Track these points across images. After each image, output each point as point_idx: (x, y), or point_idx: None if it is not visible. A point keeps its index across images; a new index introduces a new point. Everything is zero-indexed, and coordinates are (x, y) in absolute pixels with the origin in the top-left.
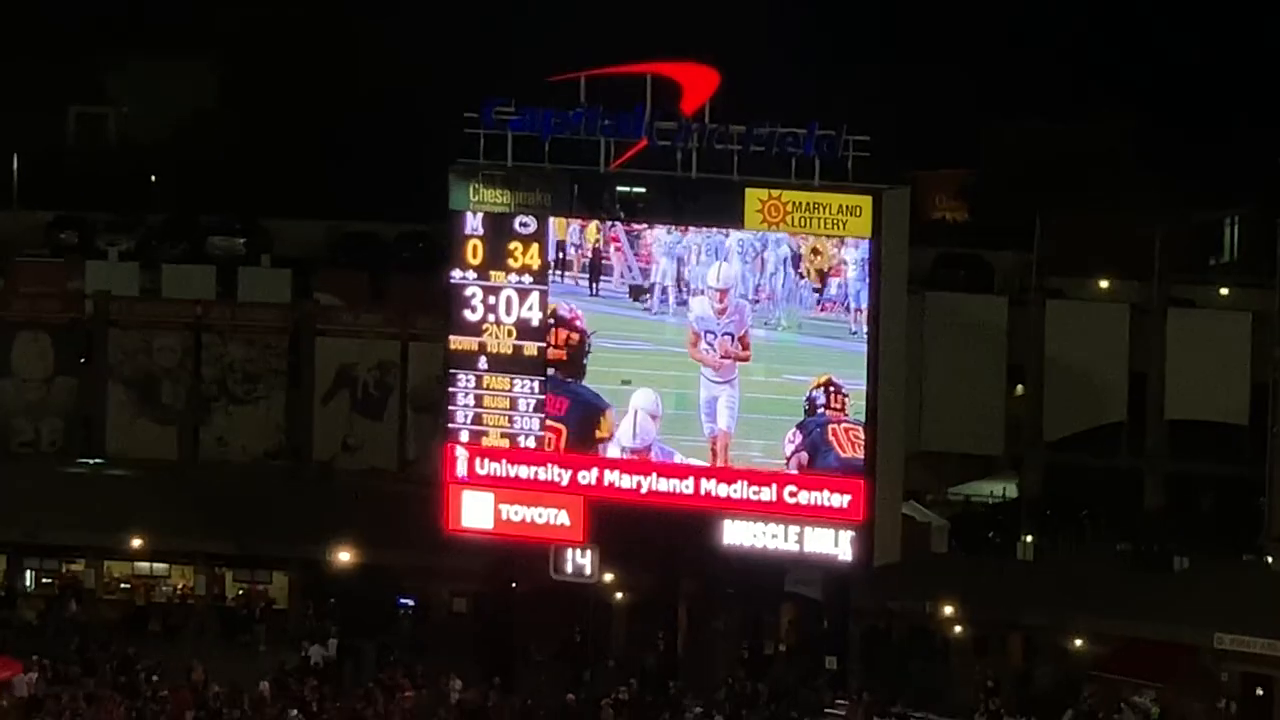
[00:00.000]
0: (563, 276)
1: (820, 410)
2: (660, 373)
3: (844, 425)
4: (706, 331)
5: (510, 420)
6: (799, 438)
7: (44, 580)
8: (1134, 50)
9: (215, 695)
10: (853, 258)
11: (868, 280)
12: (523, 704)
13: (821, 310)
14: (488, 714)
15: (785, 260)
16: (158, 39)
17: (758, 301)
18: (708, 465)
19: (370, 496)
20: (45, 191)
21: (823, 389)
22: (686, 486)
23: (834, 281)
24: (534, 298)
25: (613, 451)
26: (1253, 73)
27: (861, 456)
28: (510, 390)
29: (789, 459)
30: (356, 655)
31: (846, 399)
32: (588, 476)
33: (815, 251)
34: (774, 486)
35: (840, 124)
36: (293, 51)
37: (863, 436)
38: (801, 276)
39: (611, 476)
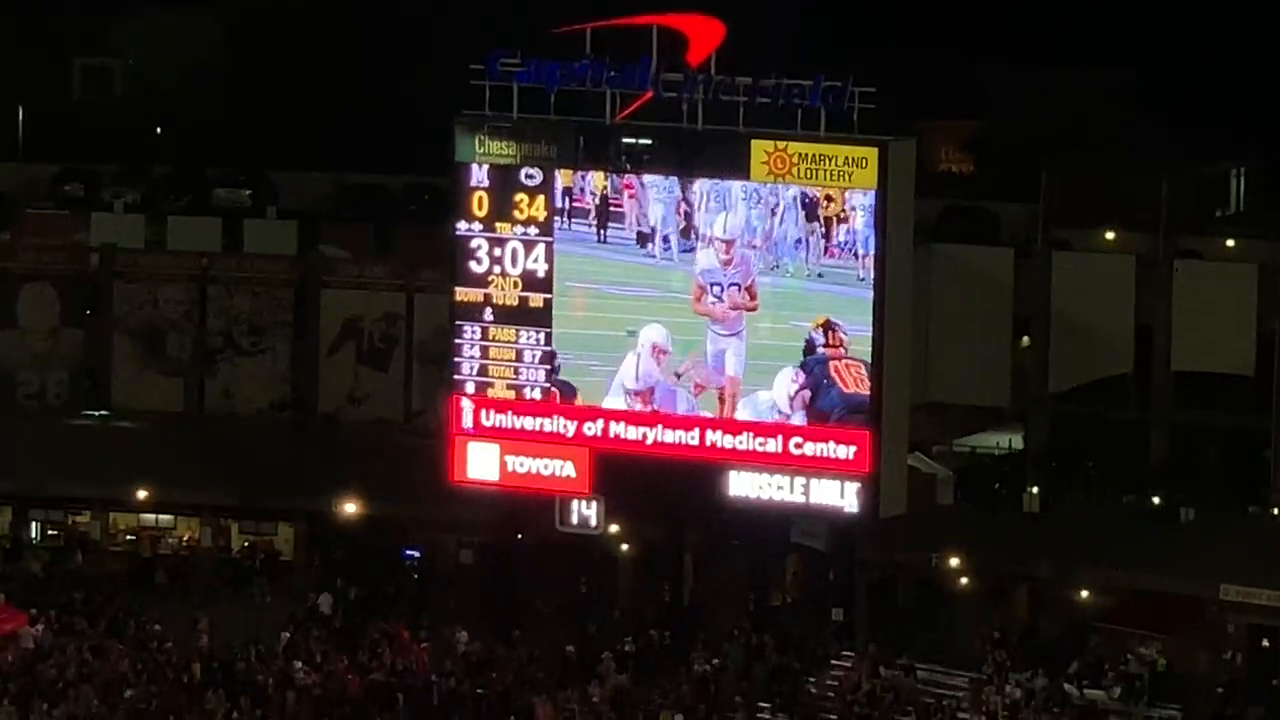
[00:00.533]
0: (570, 224)
1: (820, 349)
2: (668, 319)
3: (845, 361)
4: (713, 284)
5: (515, 371)
6: (801, 377)
7: (50, 532)
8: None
9: (221, 647)
10: (860, 203)
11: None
12: (529, 656)
13: (829, 256)
14: (493, 666)
15: (796, 204)
16: None
17: (763, 249)
18: (713, 416)
19: (376, 448)
20: (51, 144)
21: (821, 329)
22: (692, 438)
23: (842, 228)
24: (539, 250)
25: (614, 397)
26: (1260, 26)
27: (865, 392)
28: (515, 342)
29: (792, 399)
30: (363, 606)
31: (844, 337)
32: (593, 428)
33: (829, 198)
34: (780, 438)
35: (846, 75)
36: (298, 5)
37: (864, 372)
38: (811, 222)
39: (617, 428)
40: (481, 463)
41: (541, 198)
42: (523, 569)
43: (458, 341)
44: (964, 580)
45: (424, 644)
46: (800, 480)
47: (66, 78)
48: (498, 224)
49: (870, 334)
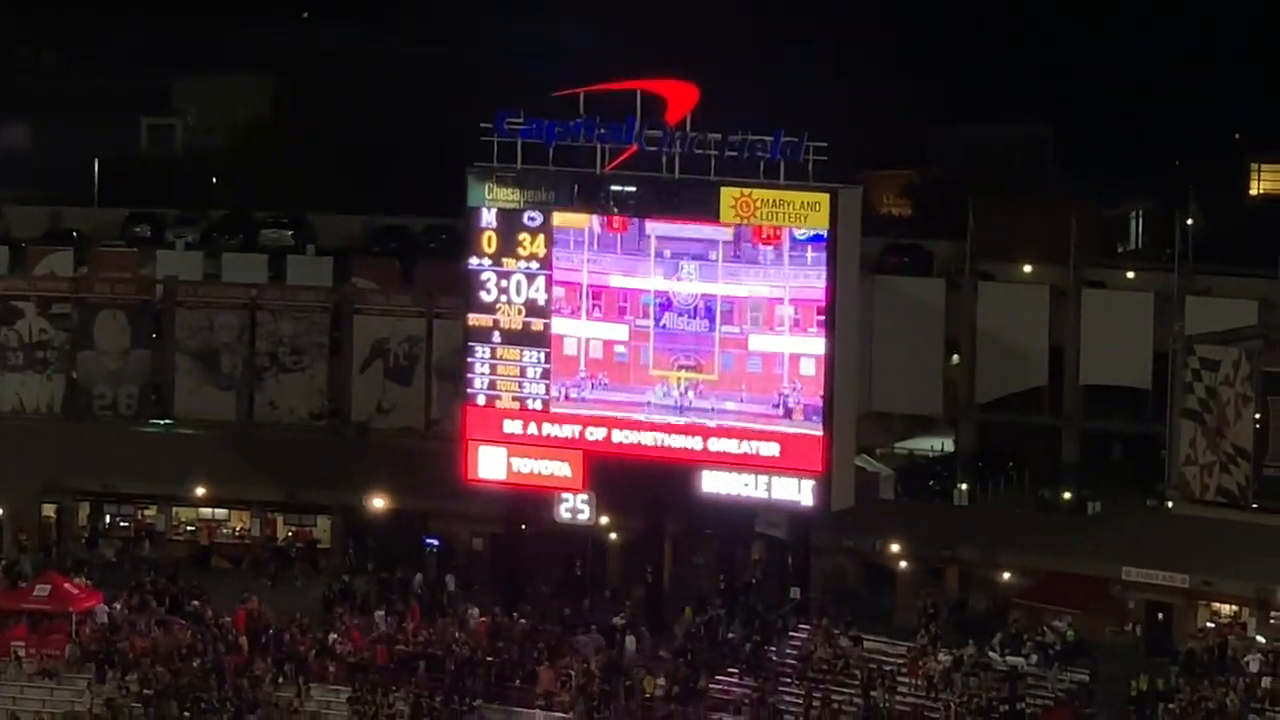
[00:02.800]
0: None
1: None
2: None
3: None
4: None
5: (520, 385)
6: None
7: (121, 524)
8: (1054, 67)
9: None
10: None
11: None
12: (531, 627)
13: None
14: (501, 637)
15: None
16: (216, 58)
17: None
18: (691, 424)
19: (401, 451)
20: (121, 191)
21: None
22: (672, 441)
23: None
24: (540, 281)
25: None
26: (1157, 91)
27: (818, 403)
28: (520, 360)
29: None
30: (390, 588)
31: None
32: (586, 433)
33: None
34: (746, 442)
35: (802, 132)
36: (332, 71)
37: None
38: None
39: (607, 433)
40: (490, 464)
41: (542, 236)
42: (526, 554)
43: (470, 360)
44: (903, 563)
45: (443, 618)
46: (764, 478)
47: (135, 134)
48: (504, 259)
49: (823, 356)
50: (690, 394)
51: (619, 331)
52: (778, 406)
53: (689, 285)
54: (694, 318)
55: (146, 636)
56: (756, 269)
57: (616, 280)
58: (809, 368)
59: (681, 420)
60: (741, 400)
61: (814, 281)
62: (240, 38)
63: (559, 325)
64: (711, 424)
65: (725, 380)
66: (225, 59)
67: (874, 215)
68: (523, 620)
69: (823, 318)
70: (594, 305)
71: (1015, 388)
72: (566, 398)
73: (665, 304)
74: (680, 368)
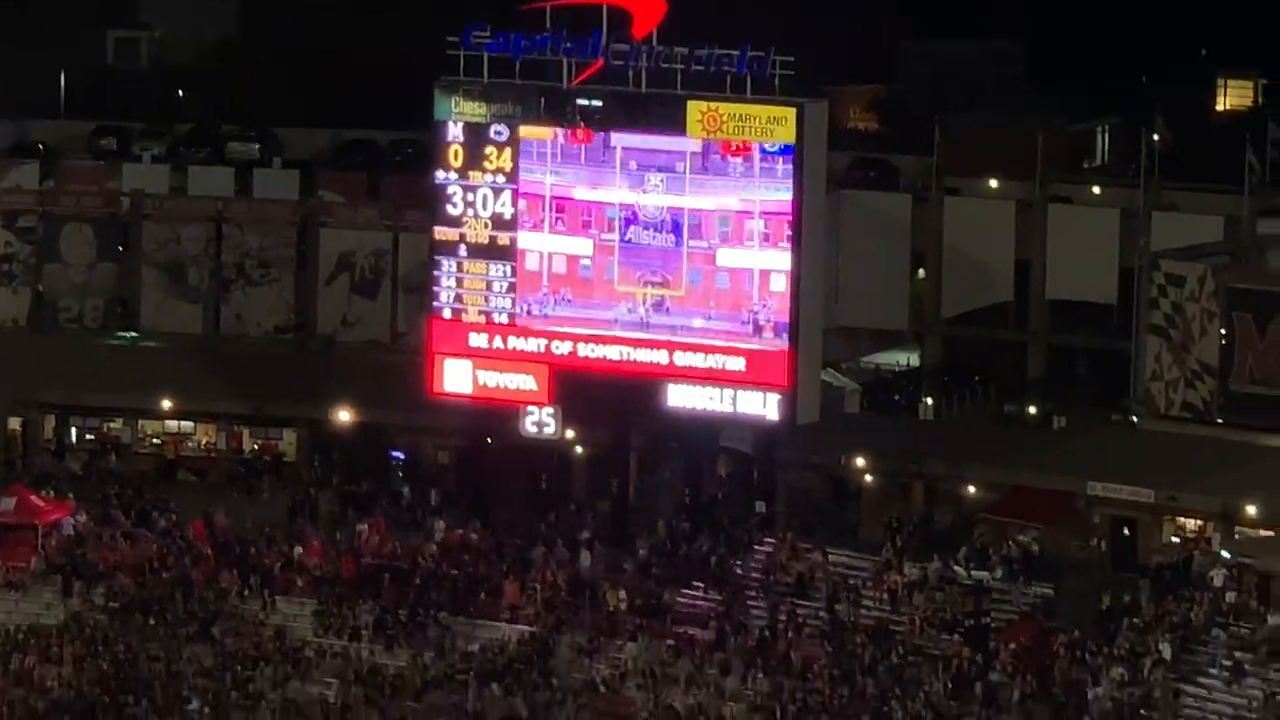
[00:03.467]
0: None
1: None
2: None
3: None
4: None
5: (485, 299)
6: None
7: (88, 437)
8: None
9: (227, 532)
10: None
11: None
12: (496, 542)
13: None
14: (467, 551)
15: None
16: None
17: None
18: (656, 339)
19: (366, 365)
20: (88, 105)
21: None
22: (639, 355)
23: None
24: (506, 195)
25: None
26: (1122, 9)
27: (786, 320)
28: (486, 274)
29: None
30: (354, 501)
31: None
32: (552, 347)
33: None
34: (712, 356)
35: (769, 46)
36: None
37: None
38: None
39: (573, 347)
40: (456, 377)
41: (508, 150)
42: (491, 468)
43: (436, 274)
44: (868, 478)
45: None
46: (729, 392)
47: (101, 47)
48: (470, 173)
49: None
50: (655, 313)
51: (583, 246)
52: (747, 324)
53: (656, 198)
54: (660, 232)
55: (113, 549)
56: (725, 181)
57: (580, 193)
58: (779, 283)
59: (647, 335)
60: (710, 318)
61: (784, 194)
62: None
63: (522, 240)
64: (678, 338)
65: (693, 296)
66: None
67: (841, 130)
68: (488, 533)
69: (792, 232)
70: (557, 219)
71: (981, 302)
72: (529, 313)
73: (631, 218)
74: (646, 284)
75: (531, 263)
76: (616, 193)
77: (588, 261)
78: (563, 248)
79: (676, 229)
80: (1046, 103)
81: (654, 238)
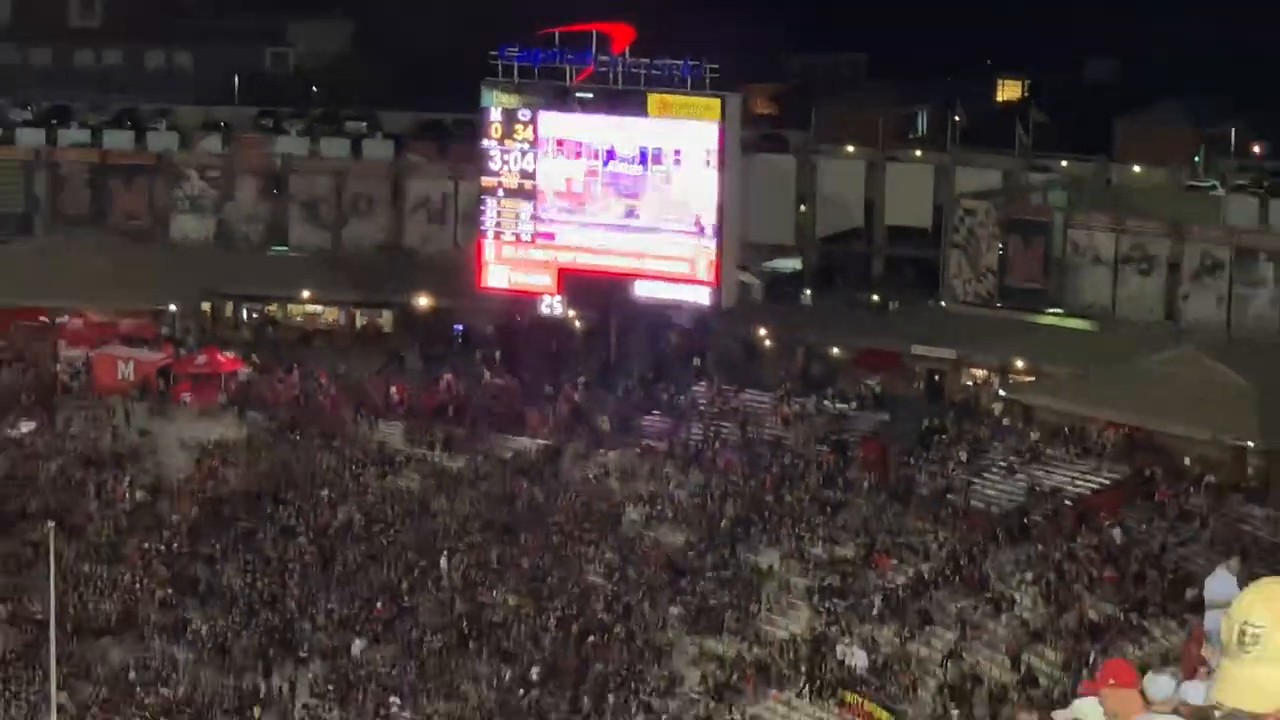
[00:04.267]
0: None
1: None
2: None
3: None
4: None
5: (516, 224)
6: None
7: (254, 315)
8: (867, 11)
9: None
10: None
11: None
12: (523, 385)
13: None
14: (505, 391)
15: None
16: (315, 6)
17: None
18: (628, 250)
19: (439, 268)
20: (253, 96)
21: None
22: (616, 262)
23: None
24: (530, 155)
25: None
26: (934, 24)
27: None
28: (516, 209)
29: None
30: (429, 358)
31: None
32: (558, 256)
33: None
34: (664, 262)
35: (703, 57)
36: (395, 12)
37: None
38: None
39: (573, 256)
40: (497, 277)
41: (531, 126)
42: (520, 338)
43: (482, 209)
44: (769, 342)
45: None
46: (677, 285)
47: (261, 58)
48: (506, 141)
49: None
50: (628, 217)
51: (576, 169)
52: (695, 225)
53: (630, 124)
54: (632, 163)
55: (272, 390)
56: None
57: (576, 134)
58: (714, 190)
59: (624, 243)
60: (668, 208)
61: (714, 142)
62: None
63: (539, 169)
64: (645, 251)
65: (654, 194)
66: (320, 6)
67: (751, 114)
68: (518, 379)
69: (720, 162)
70: (559, 151)
71: (842, 227)
72: (537, 234)
73: (610, 153)
74: (623, 186)
75: (542, 181)
76: (602, 134)
77: (579, 183)
78: (563, 171)
79: (644, 159)
80: (884, 94)
81: (628, 167)
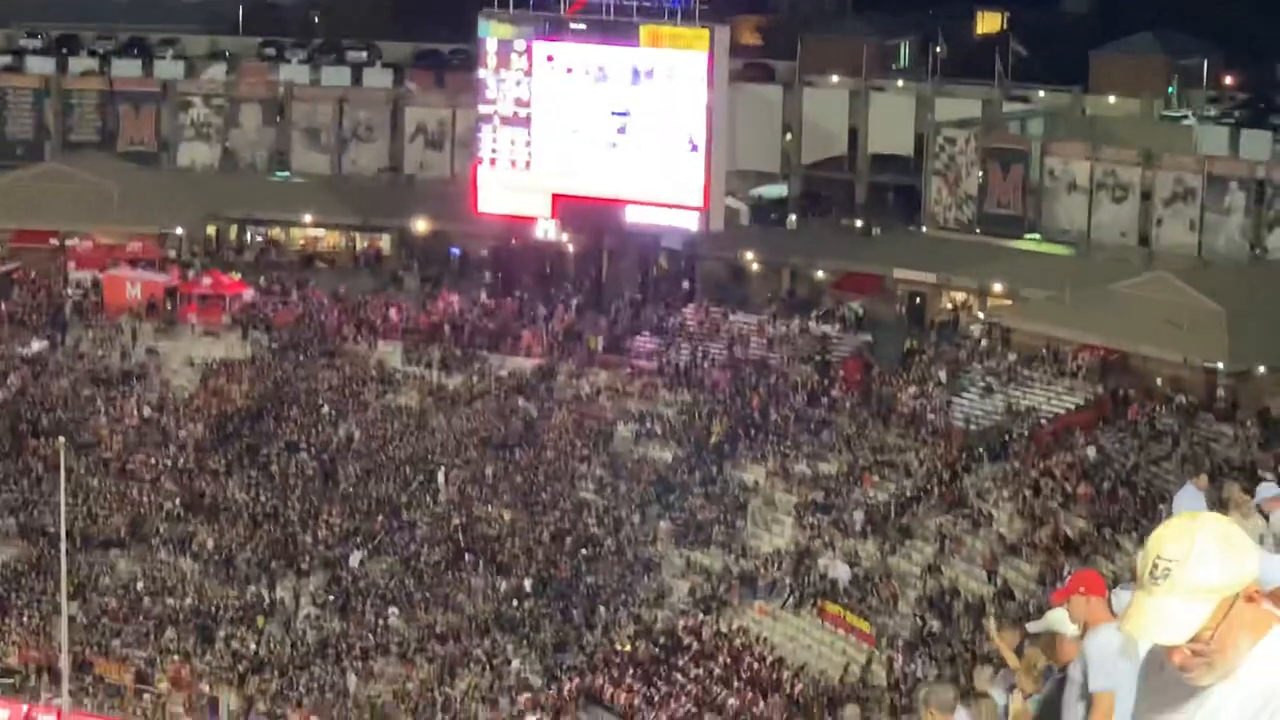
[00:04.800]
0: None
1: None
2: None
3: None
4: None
5: (510, 150)
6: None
7: (257, 238)
8: None
9: (346, 298)
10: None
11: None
12: (518, 305)
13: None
14: (499, 310)
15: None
16: None
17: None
18: (620, 174)
19: (437, 193)
20: (257, 26)
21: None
22: (607, 187)
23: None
24: (525, 84)
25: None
26: None
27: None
28: (511, 136)
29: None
30: (427, 279)
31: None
32: (552, 180)
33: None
34: (654, 185)
35: None
36: None
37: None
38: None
39: (565, 180)
40: (492, 200)
41: (525, 56)
42: (515, 260)
43: (478, 135)
44: (755, 266)
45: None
46: (666, 210)
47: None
48: (501, 70)
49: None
50: (619, 135)
51: (569, 92)
52: (689, 142)
53: (621, 54)
54: (624, 83)
55: (274, 310)
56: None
57: (570, 62)
58: (702, 118)
59: (616, 166)
60: (658, 135)
61: (704, 72)
62: None
63: (535, 88)
64: (634, 170)
65: (644, 122)
66: None
67: (738, 45)
68: (511, 299)
69: (710, 87)
70: (551, 74)
71: (826, 154)
72: (531, 160)
73: (602, 72)
74: (614, 114)
75: (537, 111)
76: (595, 51)
77: (573, 105)
78: (557, 95)
79: (635, 76)
80: (867, 26)
81: (620, 87)
